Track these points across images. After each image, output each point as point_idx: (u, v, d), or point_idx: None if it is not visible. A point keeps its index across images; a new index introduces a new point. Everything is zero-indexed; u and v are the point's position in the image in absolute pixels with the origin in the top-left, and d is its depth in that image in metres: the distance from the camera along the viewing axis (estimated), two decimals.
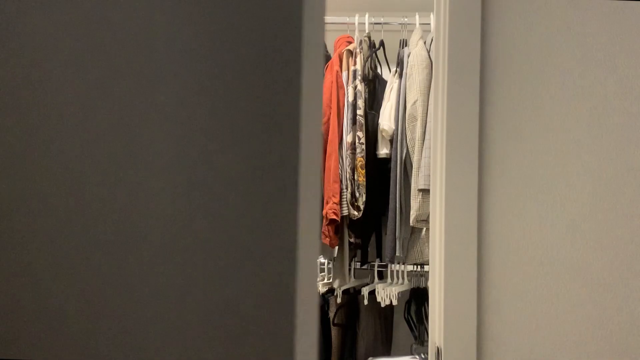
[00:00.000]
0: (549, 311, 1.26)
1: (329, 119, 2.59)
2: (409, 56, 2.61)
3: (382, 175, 2.65)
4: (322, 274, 2.73)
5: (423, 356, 2.28)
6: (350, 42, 2.72)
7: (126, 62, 0.54)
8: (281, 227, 0.53)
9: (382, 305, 2.61)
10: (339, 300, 2.69)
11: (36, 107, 0.55)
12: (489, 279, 1.25)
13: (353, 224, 2.62)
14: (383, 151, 2.63)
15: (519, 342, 1.25)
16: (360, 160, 2.57)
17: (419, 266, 2.66)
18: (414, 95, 2.53)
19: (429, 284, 1.43)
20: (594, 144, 1.28)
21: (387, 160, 2.63)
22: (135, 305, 0.54)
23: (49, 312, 0.55)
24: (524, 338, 1.25)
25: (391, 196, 2.59)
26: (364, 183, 2.56)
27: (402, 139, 2.57)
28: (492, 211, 1.27)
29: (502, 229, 1.27)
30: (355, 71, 2.63)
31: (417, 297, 2.72)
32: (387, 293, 2.59)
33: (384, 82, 2.78)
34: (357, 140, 2.58)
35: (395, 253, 2.56)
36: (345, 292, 2.72)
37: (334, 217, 2.47)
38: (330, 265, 2.67)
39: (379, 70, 2.83)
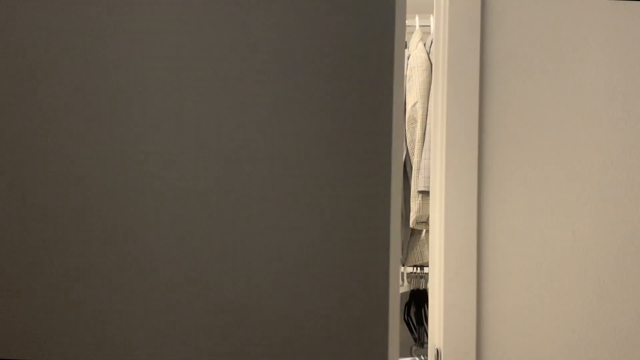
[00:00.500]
0: (549, 313, 1.26)
1: None
2: (408, 58, 2.61)
3: None
4: None
5: (423, 358, 2.29)
6: None
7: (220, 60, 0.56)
8: (376, 227, 0.54)
9: None
10: None
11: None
12: (489, 281, 1.26)
13: None
14: None
15: (519, 344, 1.25)
16: None
17: (418, 268, 2.66)
18: (413, 97, 2.54)
19: (429, 285, 1.44)
20: (595, 145, 1.28)
21: None
22: (223, 314, 0.55)
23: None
24: (524, 339, 1.25)
25: None
26: None
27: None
28: (492, 213, 1.27)
29: (502, 230, 1.28)
30: None
31: (417, 299, 2.72)
32: None
33: None
34: None
35: None
36: None
37: None
38: None
39: None
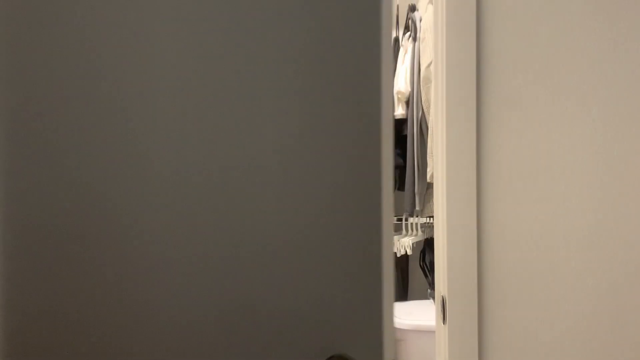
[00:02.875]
0: (546, 259, 1.32)
1: None
2: (420, 20, 2.68)
3: (399, 134, 2.79)
4: None
5: None
6: None
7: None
8: (367, 203, 0.59)
9: (398, 255, 2.79)
10: None
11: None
12: (487, 235, 1.33)
13: None
14: (399, 112, 2.74)
15: (516, 289, 1.33)
16: None
17: (433, 218, 2.81)
18: (428, 58, 2.62)
19: (435, 237, 1.49)
20: (593, 137, 1.30)
21: (404, 121, 2.75)
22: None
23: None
24: (522, 285, 1.33)
25: (408, 155, 2.73)
26: None
27: (417, 101, 2.68)
28: (491, 170, 1.32)
29: (500, 190, 1.33)
30: None
31: (431, 247, 2.87)
32: (402, 244, 2.75)
33: (393, 47, 2.87)
34: None
35: (415, 207, 2.71)
36: None
37: None
38: None
39: None
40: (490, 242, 1.33)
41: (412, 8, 2.81)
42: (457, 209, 1.34)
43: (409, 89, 2.71)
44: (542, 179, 1.32)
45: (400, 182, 2.84)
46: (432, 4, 2.64)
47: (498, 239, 1.33)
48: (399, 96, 2.73)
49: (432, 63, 2.49)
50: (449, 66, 1.34)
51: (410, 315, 2.58)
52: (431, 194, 2.71)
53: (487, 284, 1.33)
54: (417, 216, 2.81)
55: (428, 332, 2.39)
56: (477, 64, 1.31)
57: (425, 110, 2.65)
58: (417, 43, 2.70)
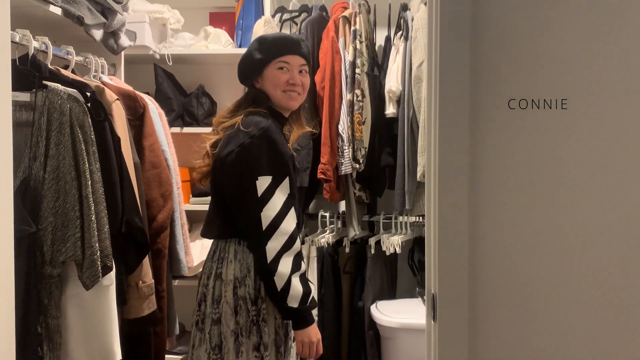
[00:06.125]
0: (539, 259, 1.32)
1: (324, 86, 2.72)
2: (412, 20, 2.69)
3: (390, 133, 2.80)
4: (332, 226, 2.93)
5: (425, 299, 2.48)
6: (345, 8, 2.81)
7: None
8: None
9: (387, 253, 2.80)
10: (347, 250, 2.89)
11: None
12: (479, 233, 1.33)
13: (360, 178, 2.78)
14: (390, 110, 2.75)
15: (507, 291, 1.33)
16: (358, 117, 2.70)
17: (422, 217, 2.82)
18: (419, 57, 2.63)
19: (425, 236, 1.48)
20: (593, 138, 1.29)
21: (395, 120, 2.76)
22: None
23: None
24: (513, 285, 1.33)
25: (399, 153, 2.74)
26: (361, 138, 2.71)
27: (408, 100, 2.68)
28: (485, 169, 1.32)
29: (496, 189, 1.33)
30: (355, 31, 2.71)
31: (420, 245, 2.89)
32: (391, 242, 2.77)
33: (385, 46, 2.89)
34: (355, 98, 2.70)
35: (405, 206, 2.72)
36: (353, 242, 2.92)
37: (322, 176, 2.66)
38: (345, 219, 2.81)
39: (374, 35, 2.93)
40: (482, 241, 1.33)
41: (404, 7, 2.82)
42: (448, 207, 1.34)
43: (400, 88, 2.72)
44: (537, 178, 1.32)
45: (390, 181, 2.85)
46: (424, 4, 2.66)
47: (490, 238, 1.33)
48: (390, 95, 2.74)
49: (425, 62, 2.52)
50: (442, 65, 1.34)
51: (399, 314, 2.60)
52: (421, 193, 2.72)
53: (478, 282, 1.33)
54: (406, 215, 2.82)
55: (417, 330, 2.41)
56: (473, 62, 1.31)
57: (416, 109, 2.66)
58: (408, 42, 2.71)
